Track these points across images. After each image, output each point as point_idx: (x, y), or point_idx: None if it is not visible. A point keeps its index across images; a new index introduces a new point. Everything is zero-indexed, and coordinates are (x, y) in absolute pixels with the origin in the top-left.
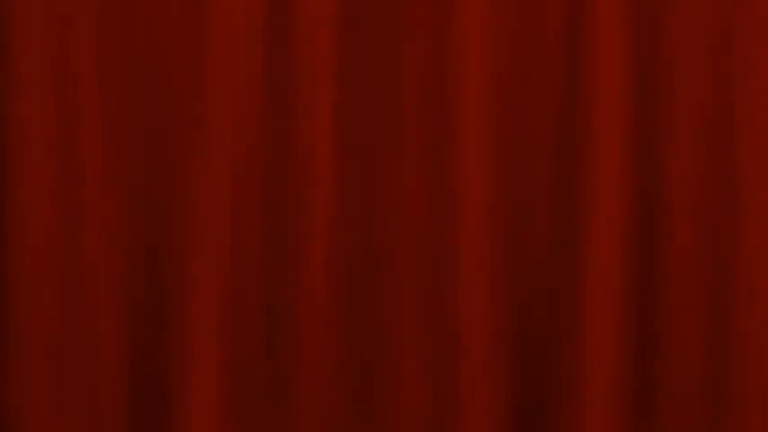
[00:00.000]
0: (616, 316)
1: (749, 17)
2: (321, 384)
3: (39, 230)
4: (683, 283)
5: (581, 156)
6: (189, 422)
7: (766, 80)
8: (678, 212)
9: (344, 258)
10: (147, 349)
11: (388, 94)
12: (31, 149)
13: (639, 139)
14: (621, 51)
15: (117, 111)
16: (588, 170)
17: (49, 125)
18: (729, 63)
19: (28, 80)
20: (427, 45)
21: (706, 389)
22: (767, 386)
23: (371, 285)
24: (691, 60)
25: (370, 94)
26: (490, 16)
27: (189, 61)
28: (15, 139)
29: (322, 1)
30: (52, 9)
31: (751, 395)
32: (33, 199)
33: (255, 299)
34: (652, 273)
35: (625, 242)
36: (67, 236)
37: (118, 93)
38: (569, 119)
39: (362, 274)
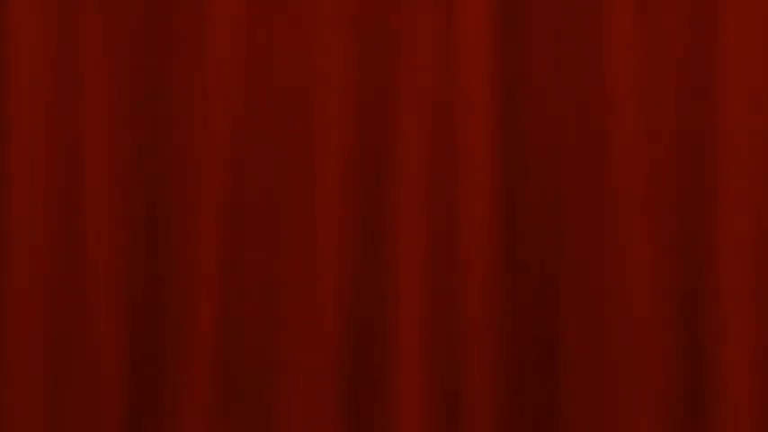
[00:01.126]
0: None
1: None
2: (321, 384)
3: (39, 230)
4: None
5: (585, 155)
6: (188, 422)
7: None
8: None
9: (344, 257)
10: (147, 349)
11: (389, 92)
12: (31, 149)
13: (644, 137)
14: (632, 48)
15: (117, 110)
16: (590, 171)
17: (49, 125)
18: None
19: (27, 79)
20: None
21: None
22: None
23: (372, 285)
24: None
25: (372, 94)
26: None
27: (189, 61)
28: (14, 138)
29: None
30: (52, 8)
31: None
32: (33, 199)
33: (256, 299)
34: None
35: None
36: (67, 236)
37: (118, 92)
38: (575, 118)
39: (363, 273)
